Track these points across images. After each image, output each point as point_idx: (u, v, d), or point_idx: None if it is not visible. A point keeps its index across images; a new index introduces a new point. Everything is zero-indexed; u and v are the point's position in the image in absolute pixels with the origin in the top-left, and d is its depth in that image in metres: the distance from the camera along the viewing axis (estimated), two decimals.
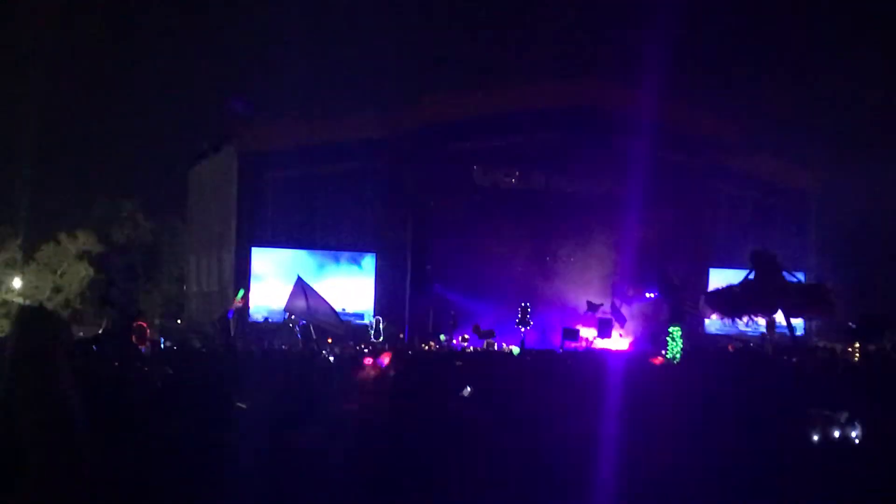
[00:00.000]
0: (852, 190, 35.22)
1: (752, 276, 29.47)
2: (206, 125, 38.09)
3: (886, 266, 34.81)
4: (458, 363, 17.15)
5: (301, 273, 32.48)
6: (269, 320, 32.42)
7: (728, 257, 37.90)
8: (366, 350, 23.61)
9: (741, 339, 33.42)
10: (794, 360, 18.63)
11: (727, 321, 32.19)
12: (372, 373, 12.38)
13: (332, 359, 17.30)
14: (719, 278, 37.29)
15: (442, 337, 32.40)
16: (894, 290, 33.79)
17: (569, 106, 35.69)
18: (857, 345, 26.62)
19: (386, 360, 13.30)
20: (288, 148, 34.18)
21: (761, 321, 32.43)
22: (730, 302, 30.02)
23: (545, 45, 37.91)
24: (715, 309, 31.40)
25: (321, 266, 35.07)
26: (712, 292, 31.61)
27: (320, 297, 30.31)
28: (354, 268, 35.58)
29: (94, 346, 21.27)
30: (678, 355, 24.15)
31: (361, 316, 34.45)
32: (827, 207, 37.49)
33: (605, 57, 35.38)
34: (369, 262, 35.69)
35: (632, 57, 31.43)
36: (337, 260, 35.44)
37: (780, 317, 32.28)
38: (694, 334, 32.04)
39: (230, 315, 28.77)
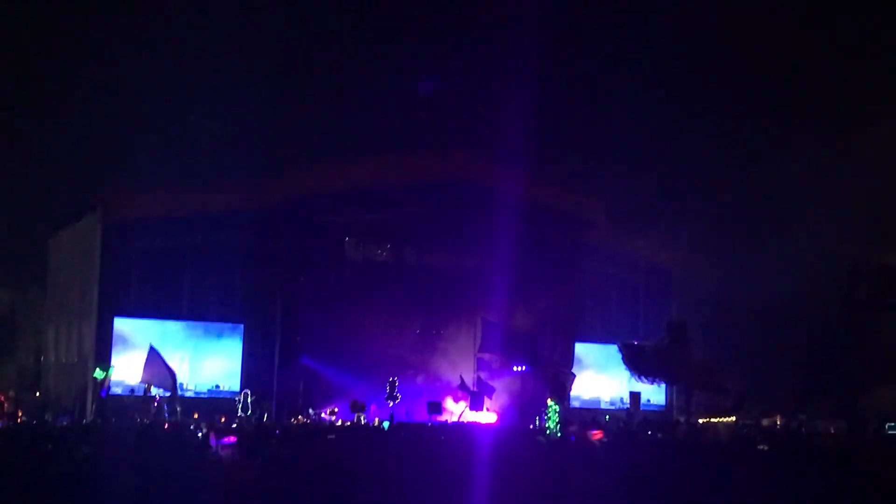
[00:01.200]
0: (712, 267, 36.52)
1: (664, 343, 30.60)
2: (68, 192, 37.05)
3: (740, 342, 36.08)
4: (331, 437, 17.06)
5: (164, 344, 31.85)
6: (133, 393, 31.52)
7: (593, 331, 38.78)
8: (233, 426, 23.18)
9: (609, 413, 34.17)
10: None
11: (635, 378, 33.37)
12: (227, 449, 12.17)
13: (200, 434, 16.90)
14: (585, 352, 38.20)
15: (311, 410, 32.06)
16: (751, 364, 35.04)
17: (439, 181, 36.08)
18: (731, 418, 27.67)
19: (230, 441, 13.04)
20: (153, 218, 33.65)
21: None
22: (643, 362, 31.25)
23: (417, 119, 38.40)
24: (628, 364, 32.47)
25: (187, 338, 34.34)
26: (627, 346, 32.72)
27: (167, 365, 29.81)
28: (221, 340, 34.90)
29: None
30: (557, 430, 24.45)
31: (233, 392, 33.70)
32: (688, 285, 38.71)
33: (476, 133, 36.04)
34: (235, 334, 35.06)
35: (502, 133, 32.10)
36: (203, 332, 34.72)
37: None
38: (565, 409, 32.51)
39: (103, 394, 28.03)
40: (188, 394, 32.42)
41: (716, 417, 30.85)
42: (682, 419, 33.19)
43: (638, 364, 33.82)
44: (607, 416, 29.69)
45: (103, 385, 29.81)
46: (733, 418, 31.17)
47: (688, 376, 32.40)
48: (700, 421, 31.25)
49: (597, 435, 15.58)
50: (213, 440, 12.97)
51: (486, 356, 35.14)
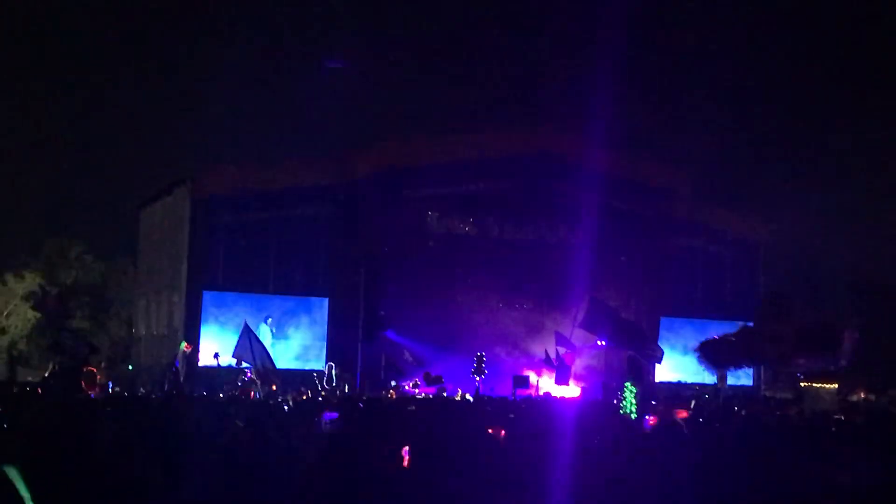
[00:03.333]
0: (802, 240, 35.82)
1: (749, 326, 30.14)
2: (159, 167, 37.82)
3: (830, 316, 35.30)
4: (412, 408, 17.09)
5: (251, 319, 32.29)
6: (221, 367, 32.04)
7: (679, 306, 38.28)
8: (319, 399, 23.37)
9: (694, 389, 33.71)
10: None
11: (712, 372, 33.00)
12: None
13: (286, 408, 17.06)
14: (671, 327, 37.72)
15: (393, 383, 32.26)
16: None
17: (523, 154, 35.98)
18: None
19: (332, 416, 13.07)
20: (241, 192, 34.06)
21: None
22: (726, 353, 30.77)
23: (502, 93, 38.29)
24: (705, 362, 32.07)
25: (273, 311, 34.77)
26: (707, 344, 32.33)
27: (262, 345, 30.15)
28: (306, 313, 35.25)
29: (38, 390, 20.92)
30: (633, 411, 24.13)
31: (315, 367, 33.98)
32: (775, 256, 38.01)
33: (560, 106, 35.82)
34: (321, 307, 35.39)
35: (586, 106, 31.79)
36: (289, 305, 35.12)
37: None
38: (647, 384, 32.20)
39: (177, 364, 28.54)
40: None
41: (819, 383, 30.06)
42: (769, 394, 32.68)
43: (718, 359, 33.28)
44: (692, 403, 29.09)
45: (177, 357, 30.30)
46: (836, 385, 30.36)
47: (784, 346, 31.52)
48: (802, 385, 30.56)
49: (681, 414, 15.17)
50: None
51: (569, 331, 34.88)
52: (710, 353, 33.01)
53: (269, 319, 34.34)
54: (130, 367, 35.24)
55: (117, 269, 42.89)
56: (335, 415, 12.59)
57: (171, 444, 8.83)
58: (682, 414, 15.11)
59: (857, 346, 30.68)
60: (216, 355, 31.58)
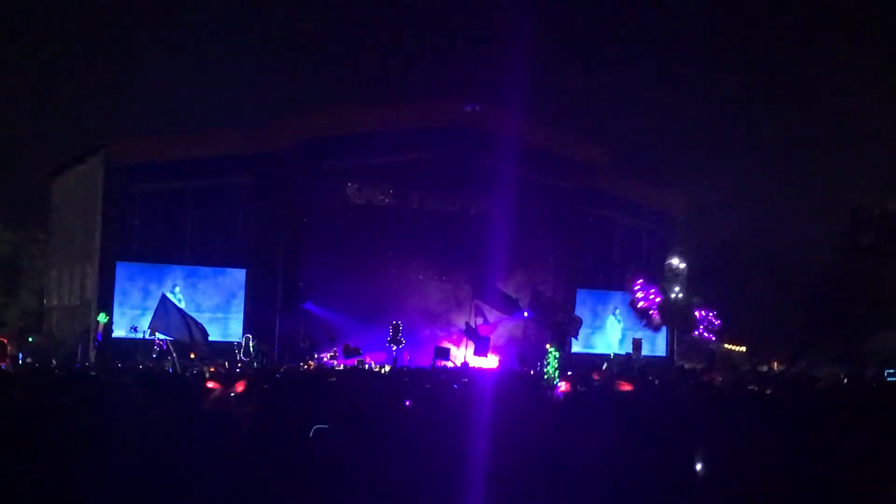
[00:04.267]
0: (715, 213, 36.51)
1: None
2: (72, 134, 36.95)
3: (742, 287, 36.14)
4: (332, 379, 17.13)
5: (167, 289, 31.93)
6: (131, 337, 31.61)
7: (594, 278, 38.84)
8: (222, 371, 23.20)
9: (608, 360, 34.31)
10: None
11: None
12: (215, 396, 12.15)
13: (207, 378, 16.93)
14: (586, 300, 38.27)
15: (316, 355, 32.19)
16: (753, 310, 35.15)
17: (442, 125, 36.02)
18: None
19: (240, 387, 13.04)
20: (158, 161, 33.49)
21: None
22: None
23: (423, 63, 38.20)
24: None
25: (188, 282, 34.36)
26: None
27: (185, 313, 29.81)
28: (223, 284, 34.89)
29: None
30: (556, 376, 24.50)
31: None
32: (690, 231, 38.68)
33: (479, 77, 35.88)
34: (238, 278, 35.03)
35: (504, 76, 31.86)
36: (205, 276, 34.71)
37: None
38: (565, 355, 32.67)
39: (99, 338, 28.16)
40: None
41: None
42: (684, 364, 33.42)
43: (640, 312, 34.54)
44: (605, 364, 29.60)
45: (98, 331, 29.90)
46: (745, 348, 31.80)
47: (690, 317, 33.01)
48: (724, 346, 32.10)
49: (625, 386, 15.31)
50: (209, 384, 12.99)
51: (485, 305, 35.17)
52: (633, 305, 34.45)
53: (177, 288, 33.83)
54: (31, 339, 34.48)
55: (29, 238, 41.86)
56: (218, 385, 12.55)
57: (81, 418, 8.75)
58: (627, 387, 15.29)
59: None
60: (134, 328, 31.19)
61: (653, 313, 35.98)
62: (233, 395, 12.72)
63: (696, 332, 35.38)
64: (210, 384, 13.07)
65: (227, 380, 14.35)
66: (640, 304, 36.28)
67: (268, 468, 8.04)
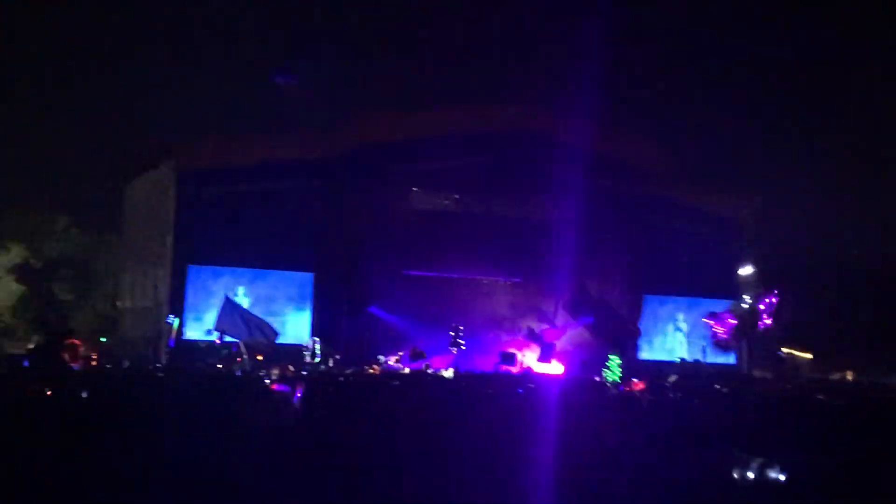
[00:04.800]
0: (783, 218, 35.97)
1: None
2: (144, 140, 37.57)
3: (814, 296, 35.55)
4: (395, 383, 17.25)
5: (234, 293, 32.44)
6: (204, 340, 32.11)
7: (662, 285, 38.42)
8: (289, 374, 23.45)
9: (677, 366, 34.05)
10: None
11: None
12: (279, 398, 12.30)
13: (268, 381, 17.18)
14: (655, 306, 37.98)
15: (381, 358, 32.34)
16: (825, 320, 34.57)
17: (509, 130, 35.97)
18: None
19: (298, 392, 13.19)
20: (227, 165, 33.97)
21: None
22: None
23: (488, 68, 38.14)
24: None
25: (255, 285, 34.75)
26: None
27: (249, 313, 30.21)
28: (290, 288, 35.22)
29: (24, 363, 21.01)
30: (618, 378, 24.47)
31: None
32: (759, 235, 38.17)
33: (546, 82, 35.70)
34: (305, 282, 35.33)
35: (571, 83, 31.72)
36: (273, 280, 35.08)
37: None
38: (630, 360, 32.48)
39: (171, 344, 28.70)
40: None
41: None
42: (756, 374, 33.03)
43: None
44: (671, 378, 29.34)
45: (171, 336, 30.46)
46: (811, 356, 31.28)
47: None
48: (784, 350, 31.57)
49: (638, 385, 15.33)
50: (274, 387, 13.18)
51: (552, 309, 35.09)
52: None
53: (241, 290, 34.22)
54: (103, 340, 35.15)
55: (102, 242, 42.77)
56: (286, 387, 12.69)
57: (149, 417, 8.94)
58: (640, 385, 15.27)
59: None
60: (209, 332, 31.65)
61: (727, 338, 35.54)
62: (297, 397, 12.87)
63: (761, 324, 34.73)
64: (274, 386, 13.25)
65: (292, 382, 14.53)
66: (720, 336, 35.82)
67: (328, 470, 8.14)
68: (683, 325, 38.41)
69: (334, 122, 35.67)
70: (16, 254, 39.12)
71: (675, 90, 37.94)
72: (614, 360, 26.93)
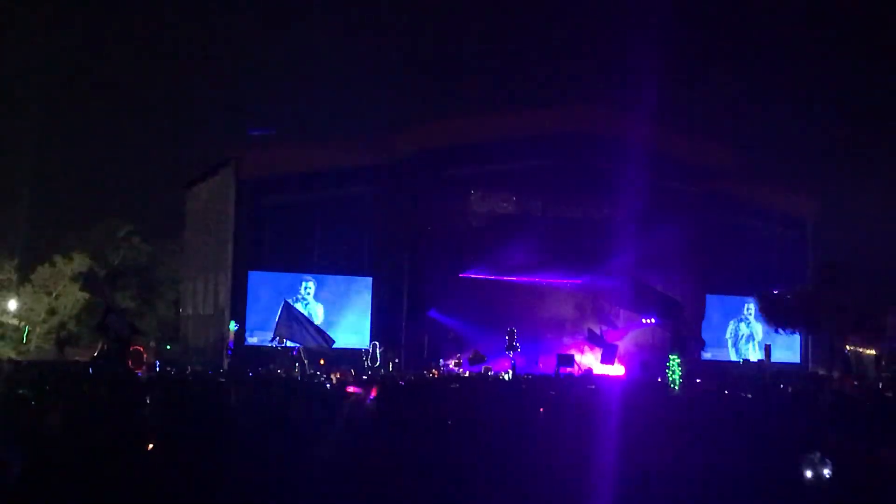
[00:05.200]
0: (847, 217, 35.37)
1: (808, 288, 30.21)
2: (203, 149, 38.04)
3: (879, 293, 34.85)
4: (455, 385, 17.20)
5: (298, 297, 32.62)
6: (266, 345, 32.30)
7: (724, 284, 37.90)
8: (350, 379, 23.51)
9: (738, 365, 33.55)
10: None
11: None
12: (353, 400, 12.37)
13: (328, 386, 17.24)
14: (716, 304, 37.49)
15: (440, 361, 32.33)
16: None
17: (567, 131, 35.73)
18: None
19: (373, 394, 13.26)
20: (286, 173, 34.22)
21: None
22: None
23: (546, 71, 38.02)
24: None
25: (316, 290, 34.91)
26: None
27: (307, 319, 30.35)
28: (351, 293, 35.31)
29: (89, 369, 21.29)
30: (677, 385, 24.17)
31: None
32: (823, 234, 37.57)
33: (605, 84, 35.52)
34: (365, 287, 35.41)
35: (631, 83, 31.52)
36: (333, 285, 35.20)
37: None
38: (692, 361, 32.07)
39: (231, 346, 28.99)
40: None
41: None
42: (821, 371, 32.39)
43: (775, 314, 33.20)
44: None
45: (230, 339, 30.71)
46: (875, 352, 30.54)
47: (839, 319, 31.40)
48: (848, 348, 30.76)
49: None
50: (349, 389, 13.34)
51: (613, 311, 34.83)
52: (767, 307, 33.05)
53: (310, 285, 34.37)
54: (168, 347, 35.56)
55: (164, 249, 43.32)
56: (359, 389, 12.77)
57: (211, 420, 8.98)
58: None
59: None
60: (272, 339, 31.84)
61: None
62: (369, 399, 12.94)
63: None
64: (350, 388, 13.37)
65: (363, 385, 14.61)
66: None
67: (397, 467, 8.14)
68: (744, 325, 37.94)
69: (392, 128, 35.79)
70: (79, 263, 39.69)
71: (739, 89, 37.53)
72: (675, 361, 26.62)
